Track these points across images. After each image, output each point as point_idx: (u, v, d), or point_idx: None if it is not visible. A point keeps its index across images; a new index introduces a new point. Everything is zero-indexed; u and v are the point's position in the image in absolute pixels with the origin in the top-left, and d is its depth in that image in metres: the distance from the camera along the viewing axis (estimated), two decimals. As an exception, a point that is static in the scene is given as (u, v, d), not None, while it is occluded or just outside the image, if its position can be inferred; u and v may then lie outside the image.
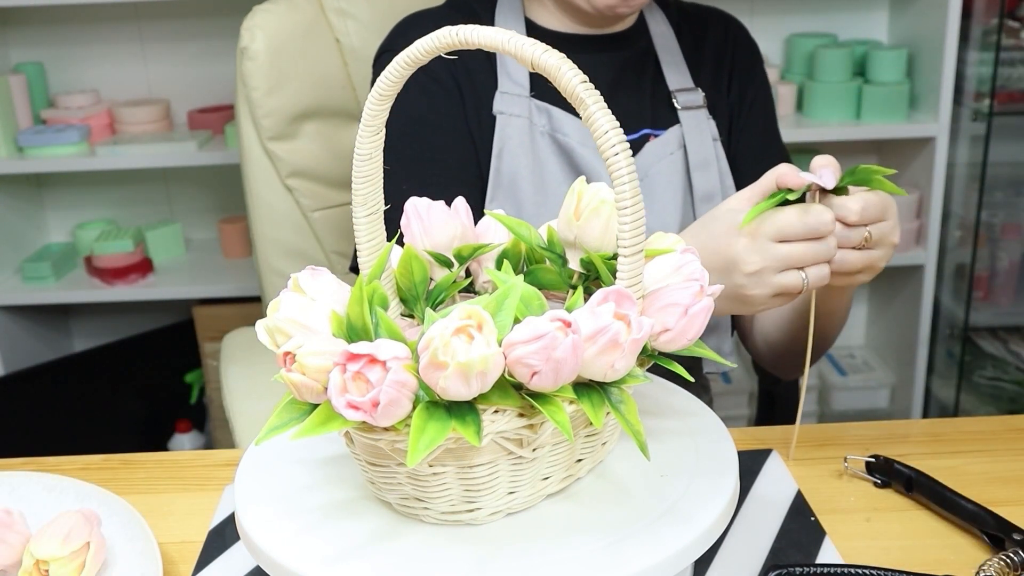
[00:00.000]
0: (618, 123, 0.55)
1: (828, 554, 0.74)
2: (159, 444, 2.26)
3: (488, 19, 1.12)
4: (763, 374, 1.42)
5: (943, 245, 2.10)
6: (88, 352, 2.25)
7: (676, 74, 1.13)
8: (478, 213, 0.78)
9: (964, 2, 1.91)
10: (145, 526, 0.76)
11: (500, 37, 0.56)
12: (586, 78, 0.55)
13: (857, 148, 2.28)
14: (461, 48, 0.57)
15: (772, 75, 2.16)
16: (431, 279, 0.69)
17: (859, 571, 0.69)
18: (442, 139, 1.07)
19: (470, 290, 0.71)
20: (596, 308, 0.56)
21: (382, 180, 0.65)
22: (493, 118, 1.07)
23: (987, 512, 0.75)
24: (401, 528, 0.61)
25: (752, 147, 1.16)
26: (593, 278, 0.66)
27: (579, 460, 0.64)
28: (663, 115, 1.11)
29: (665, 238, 0.66)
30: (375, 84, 0.60)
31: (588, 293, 0.59)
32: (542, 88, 1.08)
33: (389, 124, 1.01)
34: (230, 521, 0.81)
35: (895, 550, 0.75)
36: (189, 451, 1.51)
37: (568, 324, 0.53)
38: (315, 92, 1.37)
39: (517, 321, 0.55)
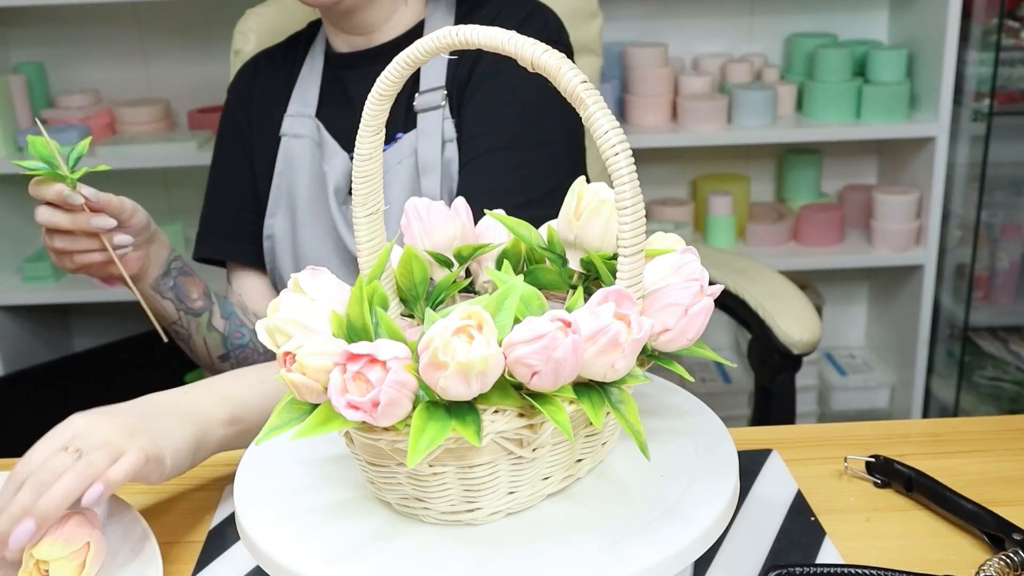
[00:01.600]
0: (618, 123, 0.55)
1: (828, 554, 0.74)
2: (159, 444, 2.26)
3: (304, 51, 1.18)
4: (759, 369, 1.42)
5: (943, 245, 2.11)
6: (88, 352, 2.25)
7: (434, 74, 1.08)
8: (256, 236, 1.08)
9: (964, 2, 1.91)
10: (145, 526, 0.76)
11: (501, 37, 0.56)
12: (586, 78, 0.55)
13: (857, 148, 2.28)
14: (461, 48, 0.57)
15: (772, 75, 2.16)
16: (431, 279, 0.69)
17: (859, 571, 0.69)
18: (224, 166, 1.18)
19: (470, 290, 0.71)
20: (596, 308, 0.56)
21: (381, 180, 0.65)
22: (279, 140, 1.14)
23: (987, 512, 0.75)
24: (401, 528, 0.61)
25: (472, 143, 1.05)
26: (593, 278, 0.66)
27: (579, 460, 0.64)
28: (412, 118, 1.08)
29: (665, 238, 0.66)
30: (376, 84, 0.60)
31: (588, 293, 0.59)
32: (324, 110, 1.13)
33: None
34: (230, 521, 0.81)
35: (895, 550, 0.75)
36: (189, 451, 1.51)
37: (568, 324, 0.53)
38: (313, 92, 1.37)
39: (517, 321, 0.55)
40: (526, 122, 1.04)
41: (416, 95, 1.07)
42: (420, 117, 1.06)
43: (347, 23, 1.09)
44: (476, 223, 0.72)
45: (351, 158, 1.06)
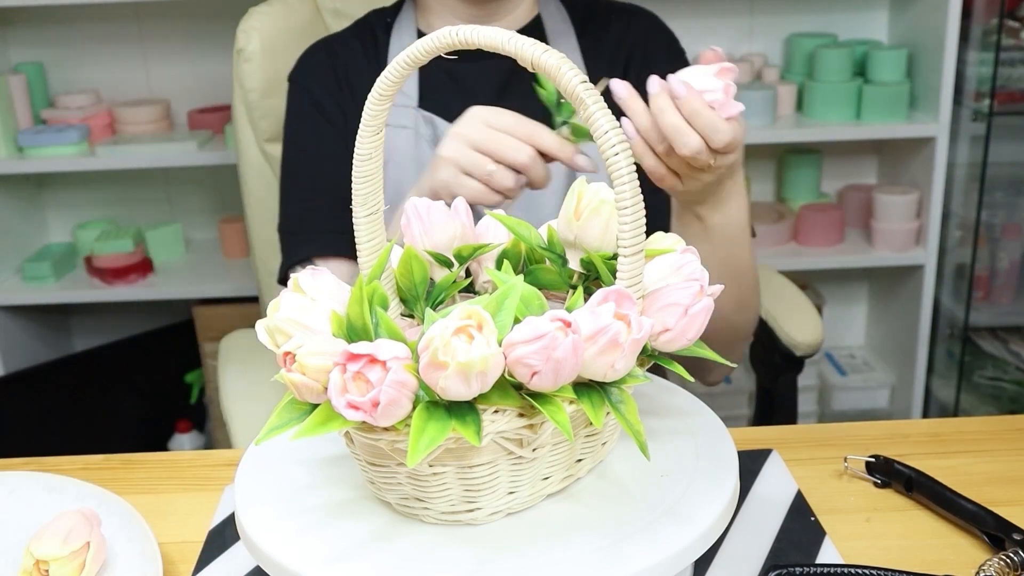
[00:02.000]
0: (618, 123, 0.55)
1: (828, 554, 0.74)
2: (159, 444, 2.26)
3: (384, 37, 1.15)
4: (761, 371, 1.42)
5: (943, 245, 2.11)
6: (88, 352, 2.25)
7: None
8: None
9: (964, 2, 1.91)
10: (145, 526, 0.76)
11: (500, 37, 0.56)
12: (585, 78, 0.55)
13: (857, 148, 2.28)
14: (461, 48, 0.57)
15: (772, 75, 2.16)
16: (431, 279, 0.69)
17: (859, 571, 0.69)
18: (321, 165, 1.12)
19: (470, 290, 0.71)
20: (596, 308, 0.56)
21: (381, 180, 0.65)
22: None
23: (987, 512, 0.75)
24: (401, 528, 0.61)
25: None
26: (593, 278, 0.66)
27: (579, 460, 0.64)
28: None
29: (665, 238, 0.66)
30: (375, 84, 0.60)
31: (588, 293, 0.59)
32: (430, 100, 1.10)
33: (284, 148, 1.03)
34: (230, 521, 0.81)
35: (895, 550, 0.75)
36: (189, 451, 1.51)
37: (568, 324, 0.53)
38: (314, 92, 1.37)
39: (517, 321, 0.55)
40: None
41: None
42: None
43: (487, 10, 1.10)
44: None
45: None
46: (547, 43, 1.11)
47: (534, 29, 1.14)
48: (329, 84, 1.13)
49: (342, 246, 1.07)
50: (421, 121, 1.09)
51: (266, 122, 1.34)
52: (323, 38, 1.19)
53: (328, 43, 1.17)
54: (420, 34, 1.13)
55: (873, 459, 0.84)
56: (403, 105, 1.10)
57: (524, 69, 1.16)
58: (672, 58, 1.16)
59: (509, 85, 1.10)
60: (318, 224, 1.11)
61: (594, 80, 1.08)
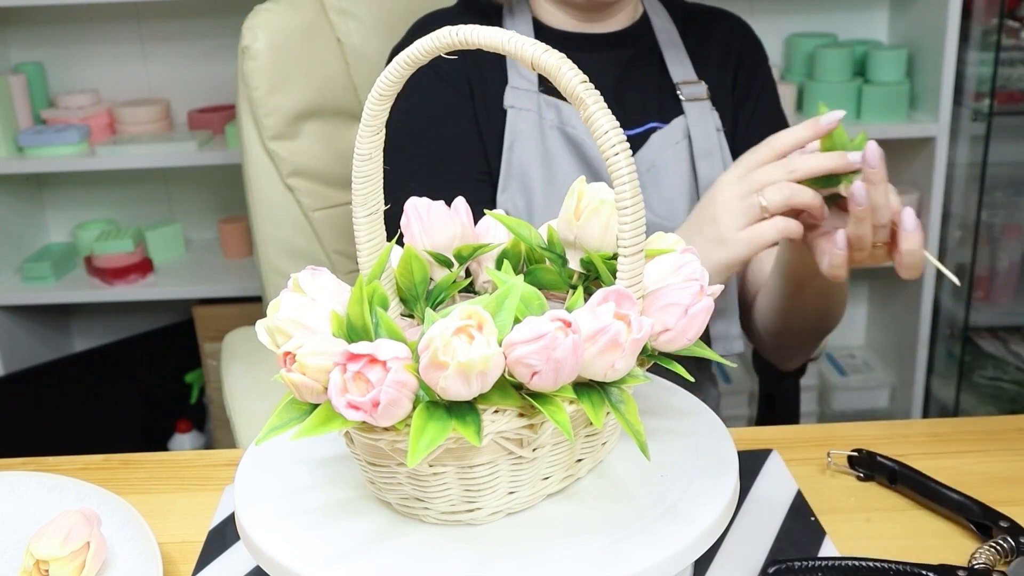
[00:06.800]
0: (618, 123, 0.55)
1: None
2: (159, 444, 2.26)
3: (497, 19, 1.15)
4: (763, 374, 1.41)
5: (943, 245, 2.10)
6: (88, 352, 2.25)
7: (680, 68, 1.16)
8: (491, 206, 0.88)
9: (964, 2, 1.91)
10: (145, 526, 0.76)
11: (500, 37, 0.56)
12: (586, 78, 0.55)
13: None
14: (461, 48, 0.57)
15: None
16: (431, 279, 0.69)
17: (857, 563, 0.69)
18: (453, 137, 1.11)
19: (470, 290, 0.71)
20: (596, 308, 0.56)
21: (382, 180, 0.65)
22: (504, 112, 1.10)
23: (972, 501, 0.76)
24: (401, 528, 0.61)
25: (758, 140, 1.16)
26: (593, 278, 0.66)
27: (579, 460, 0.64)
28: (669, 107, 1.14)
29: (665, 238, 0.66)
30: (375, 84, 0.60)
31: (588, 293, 0.59)
32: (550, 84, 1.08)
33: (399, 123, 1.01)
34: (230, 521, 0.81)
35: (895, 550, 0.75)
36: (189, 451, 1.51)
37: (568, 324, 0.53)
38: (316, 92, 1.37)
39: (517, 321, 0.55)
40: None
41: (680, 86, 1.14)
42: (688, 105, 1.13)
43: (601, 9, 1.12)
44: None
45: None
46: (656, 41, 1.16)
47: (643, 27, 1.17)
48: (454, 59, 1.11)
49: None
50: (543, 105, 1.10)
51: (270, 120, 1.34)
52: (430, 13, 1.16)
53: (440, 17, 1.15)
54: (536, 22, 1.14)
55: (856, 453, 0.84)
56: (525, 89, 1.10)
57: (641, 60, 1.16)
58: (765, 71, 1.21)
59: (626, 75, 1.13)
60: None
61: (701, 74, 1.16)
